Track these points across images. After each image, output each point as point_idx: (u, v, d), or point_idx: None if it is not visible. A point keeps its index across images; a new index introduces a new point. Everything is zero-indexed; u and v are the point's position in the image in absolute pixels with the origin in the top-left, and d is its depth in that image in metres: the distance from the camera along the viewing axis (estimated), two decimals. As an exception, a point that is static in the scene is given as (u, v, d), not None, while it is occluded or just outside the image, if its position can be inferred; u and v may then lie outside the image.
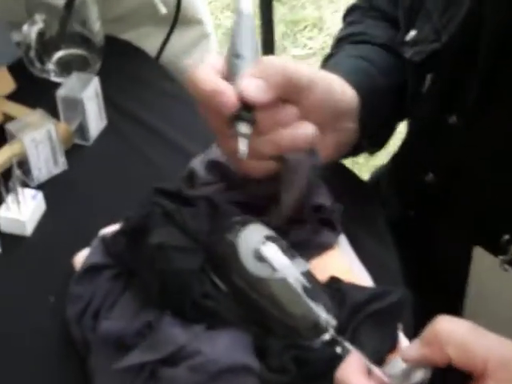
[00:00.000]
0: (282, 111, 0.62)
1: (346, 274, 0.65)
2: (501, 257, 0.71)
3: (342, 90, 0.68)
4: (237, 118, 0.61)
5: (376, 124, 0.75)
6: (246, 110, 0.60)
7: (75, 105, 0.81)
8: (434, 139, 0.75)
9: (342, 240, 0.70)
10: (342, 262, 0.67)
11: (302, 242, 0.66)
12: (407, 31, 0.77)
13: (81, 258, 0.68)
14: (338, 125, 0.68)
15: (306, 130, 0.63)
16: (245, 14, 0.64)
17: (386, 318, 0.59)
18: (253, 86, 0.60)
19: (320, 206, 0.68)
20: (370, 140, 0.77)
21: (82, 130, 0.83)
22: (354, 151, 0.76)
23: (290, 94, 0.62)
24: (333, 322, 0.56)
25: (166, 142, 0.85)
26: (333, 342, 0.55)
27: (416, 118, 0.76)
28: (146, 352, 0.58)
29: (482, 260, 0.74)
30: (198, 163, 0.72)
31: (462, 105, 0.70)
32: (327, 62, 0.80)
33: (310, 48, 2.60)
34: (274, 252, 0.59)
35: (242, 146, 0.61)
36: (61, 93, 0.81)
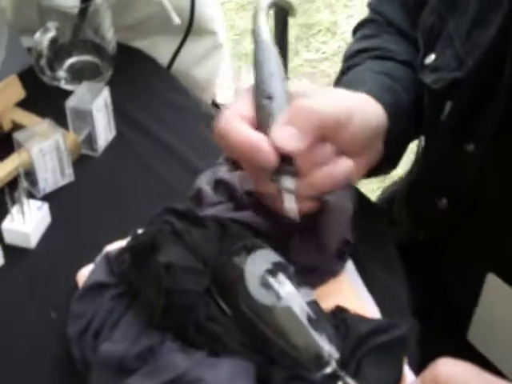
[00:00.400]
0: (319, 152, 0.59)
1: (353, 303, 0.64)
2: None
3: (376, 114, 0.66)
4: (278, 172, 0.58)
5: (398, 143, 0.74)
6: (286, 161, 0.57)
7: (84, 116, 0.80)
8: (450, 165, 0.74)
9: (350, 266, 0.69)
10: (349, 290, 0.66)
11: (309, 267, 0.65)
12: (426, 54, 0.75)
13: (84, 274, 0.68)
14: (374, 145, 0.67)
15: (343, 166, 0.60)
16: (264, 41, 0.61)
17: (391, 351, 0.58)
18: (287, 135, 0.57)
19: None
20: (389, 159, 0.75)
21: (90, 140, 0.82)
22: (374, 171, 0.74)
23: (327, 134, 0.60)
24: (335, 354, 0.55)
25: (175, 155, 0.84)
26: (334, 376, 0.54)
27: (433, 143, 0.75)
28: (147, 378, 0.57)
29: (494, 287, 0.73)
30: (204, 182, 0.71)
31: (480, 134, 0.69)
32: (348, 75, 0.78)
33: (324, 52, 2.59)
34: (280, 280, 0.58)
35: (289, 202, 0.58)
36: (70, 103, 0.80)
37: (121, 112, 0.87)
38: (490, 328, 0.76)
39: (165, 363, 0.57)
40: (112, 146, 0.85)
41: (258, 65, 0.62)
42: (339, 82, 0.79)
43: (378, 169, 0.74)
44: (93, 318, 0.63)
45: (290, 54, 2.67)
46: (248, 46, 1.87)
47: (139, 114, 0.89)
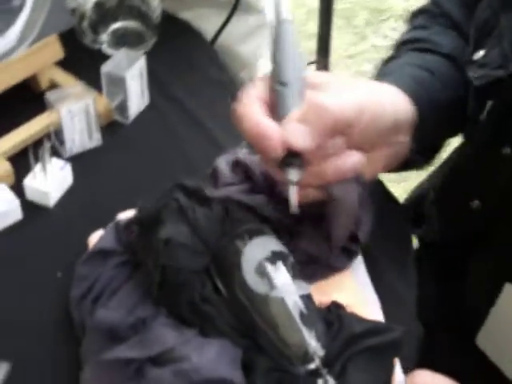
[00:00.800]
0: (328, 144, 0.59)
1: (353, 300, 0.63)
2: None
3: (394, 108, 0.65)
4: (285, 163, 0.58)
5: (431, 139, 0.72)
6: (294, 155, 0.57)
7: (118, 82, 0.81)
8: (485, 167, 0.72)
9: (359, 264, 0.68)
10: (351, 287, 0.65)
11: (312, 259, 0.65)
12: (476, 49, 0.73)
13: (95, 238, 0.69)
14: (390, 139, 0.66)
15: (352, 160, 0.60)
16: (285, 21, 0.60)
17: (382, 354, 0.57)
18: (298, 133, 0.57)
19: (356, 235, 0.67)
20: (422, 154, 0.74)
21: (122, 107, 0.83)
22: (405, 165, 0.73)
23: (337, 130, 0.59)
24: (320, 352, 0.55)
25: (203, 131, 0.84)
26: (316, 373, 0.54)
27: (470, 142, 0.74)
28: (135, 348, 0.57)
29: (508, 298, 0.72)
30: (223, 161, 0.71)
31: None
32: (387, 65, 0.77)
33: (392, 39, 2.55)
34: (276, 269, 0.58)
35: (292, 194, 0.58)
36: (105, 68, 0.81)
37: (157, 82, 0.88)
38: (500, 335, 0.75)
39: (154, 337, 0.58)
40: (143, 115, 0.86)
41: (274, 47, 0.60)
42: (378, 71, 0.78)
43: (410, 163, 0.73)
44: (94, 283, 0.64)
45: (357, 38, 2.64)
46: (315, 25, 1.85)
47: (174, 86, 0.89)
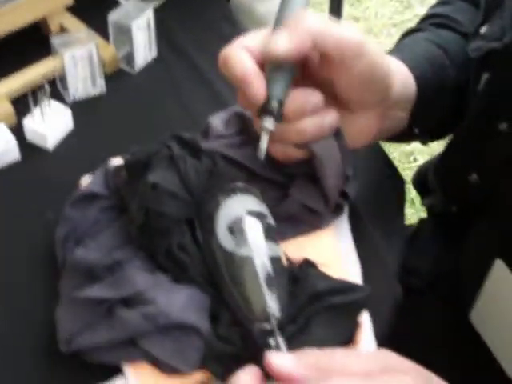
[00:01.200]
0: (308, 98, 0.59)
1: (331, 259, 0.64)
2: None
3: (397, 79, 0.65)
4: (264, 110, 0.57)
5: (435, 117, 0.72)
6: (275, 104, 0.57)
7: (125, 31, 0.81)
8: (482, 142, 0.72)
9: (343, 223, 0.68)
10: (332, 246, 0.65)
11: (293, 217, 0.65)
12: (483, 23, 0.72)
13: (85, 181, 0.70)
14: (386, 111, 0.66)
15: (330, 117, 0.61)
16: None
17: (344, 313, 0.57)
18: (277, 38, 0.56)
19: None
20: (424, 130, 0.74)
21: (128, 57, 0.84)
22: (403, 137, 0.74)
23: (334, 56, 0.58)
24: (277, 313, 0.55)
25: (210, 88, 0.84)
26: (271, 333, 0.54)
27: (468, 117, 0.73)
28: (107, 289, 0.59)
29: (500, 273, 0.71)
30: (217, 117, 0.71)
31: None
32: (404, 39, 0.77)
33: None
34: (249, 228, 0.58)
35: (262, 142, 0.58)
36: (112, 17, 0.81)
37: (166, 35, 0.88)
38: (491, 312, 0.75)
39: (126, 278, 0.59)
40: (150, 67, 0.86)
41: (281, 6, 0.61)
42: (395, 44, 0.78)
43: (408, 136, 0.74)
44: (79, 225, 0.65)
45: (402, 6, 2.59)
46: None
47: (185, 40, 0.89)
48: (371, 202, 0.73)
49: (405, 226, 0.76)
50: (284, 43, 0.56)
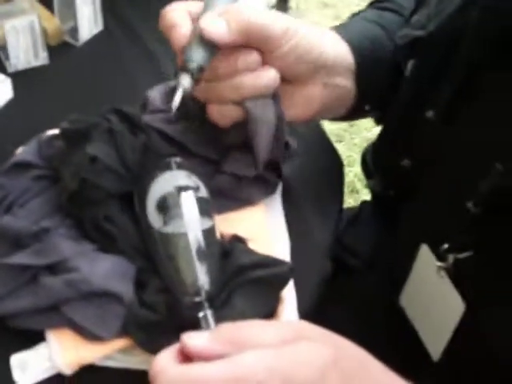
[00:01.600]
0: (243, 56, 0.61)
1: (260, 234, 0.65)
2: (439, 263, 0.69)
3: (328, 46, 0.67)
4: (182, 68, 0.59)
5: (379, 93, 0.73)
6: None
7: (69, 4, 0.81)
8: (411, 129, 0.73)
9: (275, 199, 0.69)
10: (260, 222, 0.66)
11: (224, 191, 0.66)
12: (416, 11, 0.73)
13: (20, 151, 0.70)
14: (325, 80, 0.67)
15: (268, 75, 0.62)
16: None
17: (267, 286, 0.58)
18: (214, 23, 0.59)
19: (274, 162, 0.67)
20: (374, 107, 0.75)
21: (73, 29, 0.83)
22: (355, 115, 0.75)
23: (258, 43, 0.61)
24: (206, 286, 0.55)
25: (156, 63, 0.84)
26: (200, 306, 0.55)
27: (397, 104, 0.74)
28: (31, 256, 0.59)
29: (424, 259, 0.72)
30: (155, 91, 0.71)
31: (438, 101, 0.67)
32: (346, 21, 0.79)
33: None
34: (179, 204, 0.59)
35: (177, 97, 0.59)
36: (56, -12, 0.81)
37: (114, 8, 0.88)
38: (418, 297, 0.76)
39: (51, 246, 0.59)
40: (96, 39, 0.86)
41: None
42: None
43: (359, 112, 0.75)
44: (9, 193, 0.65)
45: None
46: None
47: (132, 13, 0.89)
48: (307, 180, 0.74)
49: (341, 206, 0.77)
50: (221, 30, 0.59)
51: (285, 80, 0.65)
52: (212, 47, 0.60)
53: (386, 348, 0.77)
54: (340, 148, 1.93)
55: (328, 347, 0.49)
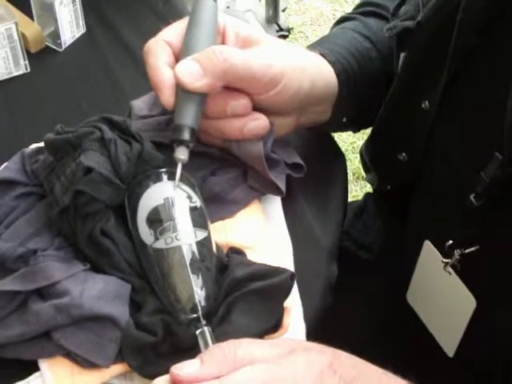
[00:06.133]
0: (231, 102, 0.60)
1: (258, 242, 0.61)
2: (445, 260, 0.66)
3: (313, 80, 0.65)
4: (175, 141, 0.58)
5: (362, 106, 0.73)
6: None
7: (48, 8, 0.78)
8: (407, 121, 0.71)
9: (274, 203, 0.66)
10: (258, 229, 0.63)
11: (218, 195, 0.62)
12: (403, 3, 0.71)
13: (3, 168, 0.66)
14: (303, 110, 0.67)
15: (255, 125, 0.61)
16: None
17: (266, 297, 0.55)
18: (189, 71, 0.57)
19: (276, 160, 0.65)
20: (352, 119, 0.74)
21: (54, 34, 0.80)
22: (331, 127, 0.74)
23: (242, 86, 0.60)
24: (202, 302, 0.53)
25: (140, 65, 0.80)
26: (197, 323, 0.52)
27: (392, 97, 0.71)
28: (18, 281, 0.56)
29: (428, 256, 0.71)
30: (139, 101, 0.69)
31: (433, 91, 0.65)
32: (335, 28, 0.79)
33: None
34: (170, 215, 0.56)
35: (177, 172, 0.58)
36: (33, -8, 0.77)
37: (96, 9, 0.84)
38: (425, 292, 0.74)
39: (40, 270, 0.56)
40: (79, 43, 0.83)
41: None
42: (327, 34, 0.78)
43: (339, 127, 0.77)
44: (-6, 213, 0.62)
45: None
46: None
47: (115, 17, 0.86)
48: (307, 179, 0.70)
49: (345, 204, 0.74)
50: (196, 77, 0.57)
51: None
52: (198, 99, 0.58)
53: (398, 345, 0.75)
54: (344, 135, 1.90)
55: (324, 353, 0.48)
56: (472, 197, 0.61)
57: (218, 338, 0.51)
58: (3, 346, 0.55)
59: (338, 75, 0.68)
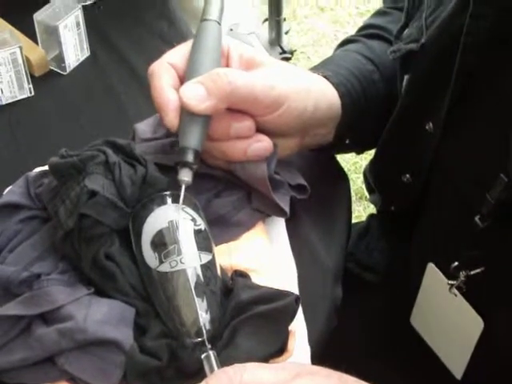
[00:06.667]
0: (235, 124, 0.60)
1: (262, 265, 0.61)
2: (450, 281, 0.66)
3: (318, 103, 0.65)
4: (179, 163, 0.58)
5: (366, 128, 0.73)
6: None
7: (52, 32, 0.78)
8: (411, 143, 0.71)
9: (278, 226, 0.66)
10: (263, 251, 0.63)
11: (222, 217, 0.62)
12: (406, 26, 0.72)
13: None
14: (306, 133, 0.67)
15: (258, 147, 0.61)
16: (212, 20, 0.62)
17: (271, 321, 0.54)
18: (193, 94, 0.57)
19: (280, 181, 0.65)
20: (355, 141, 0.75)
21: (58, 57, 0.80)
22: (334, 148, 0.74)
23: (245, 108, 0.60)
24: (207, 326, 0.52)
25: (145, 88, 0.80)
26: (202, 347, 0.52)
27: (395, 119, 0.71)
28: (22, 306, 0.55)
29: (432, 278, 0.70)
30: (143, 124, 0.69)
31: (437, 112, 0.65)
32: (337, 53, 0.79)
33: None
34: (171, 241, 0.56)
35: (181, 193, 0.58)
36: (38, 17, 0.78)
37: (101, 33, 0.85)
38: (429, 316, 0.74)
39: (44, 294, 0.56)
40: (83, 67, 0.83)
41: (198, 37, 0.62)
42: (331, 56, 0.79)
43: (340, 149, 0.75)
44: (-2, 237, 0.62)
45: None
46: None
47: (120, 40, 0.86)
48: (311, 200, 0.70)
49: (349, 225, 0.73)
50: (200, 100, 0.57)
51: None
52: (202, 121, 0.58)
53: (403, 368, 0.75)
54: (346, 155, 1.90)
55: (331, 377, 0.48)
56: (477, 218, 0.60)
57: (224, 362, 0.51)
58: (6, 371, 0.54)
59: (341, 97, 0.68)
